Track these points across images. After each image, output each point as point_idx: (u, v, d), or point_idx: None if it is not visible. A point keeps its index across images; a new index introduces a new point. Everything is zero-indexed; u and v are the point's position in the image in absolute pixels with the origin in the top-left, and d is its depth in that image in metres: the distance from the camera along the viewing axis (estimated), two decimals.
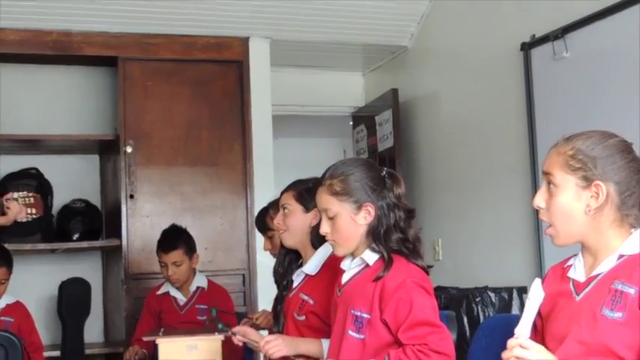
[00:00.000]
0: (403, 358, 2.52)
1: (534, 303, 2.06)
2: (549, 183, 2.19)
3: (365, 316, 2.64)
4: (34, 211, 3.73)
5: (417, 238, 2.74)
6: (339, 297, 2.80)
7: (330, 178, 2.76)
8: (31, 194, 3.79)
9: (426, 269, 2.72)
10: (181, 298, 4.75)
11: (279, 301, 3.38)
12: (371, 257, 2.71)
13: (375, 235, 2.70)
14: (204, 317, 4.69)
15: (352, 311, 2.68)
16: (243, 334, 3.20)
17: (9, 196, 3.69)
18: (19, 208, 3.66)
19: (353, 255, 2.79)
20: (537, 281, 2.10)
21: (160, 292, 4.82)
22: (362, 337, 2.65)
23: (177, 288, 4.75)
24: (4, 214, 3.60)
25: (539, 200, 2.21)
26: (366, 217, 2.70)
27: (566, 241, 2.20)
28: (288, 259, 3.39)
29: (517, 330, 2.05)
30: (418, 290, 2.60)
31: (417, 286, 2.60)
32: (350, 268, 2.79)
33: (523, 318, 2.05)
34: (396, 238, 2.69)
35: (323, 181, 2.78)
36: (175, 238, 4.73)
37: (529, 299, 2.07)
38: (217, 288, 4.86)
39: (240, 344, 3.25)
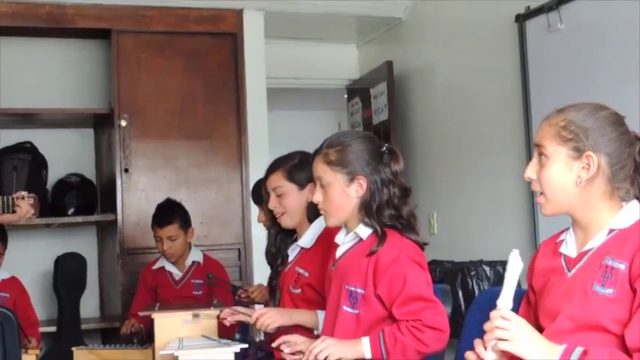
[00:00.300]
0: (397, 334, 2.54)
1: (513, 274, 2.06)
2: (540, 154, 2.19)
3: (359, 291, 2.65)
4: (33, 211, 3.80)
5: (412, 215, 2.74)
6: (334, 271, 2.80)
7: (327, 147, 2.76)
8: (32, 194, 3.85)
9: (420, 244, 2.72)
10: (177, 273, 4.75)
11: (274, 276, 3.39)
12: (364, 232, 2.71)
13: (368, 210, 2.69)
14: (200, 292, 4.69)
15: (346, 286, 2.68)
16: (232, 312, 3.22)
17: (19, 194, 3.75)
18: (28, 207, 3.73)
19: (347, 229, 2.79)
20: (515, 252, 2.09)
21: (155, 266, 4.82)
22: (356, 312, 2.66)
23: (173, 263, 4.75)
24: (13, 211, 3.67)
25: (530, 172, 2.21)
26: (357, 190, 2.70)
27: (555, 211, 2.20)
28: (279, 239, 3.38)
29: (499, 302, 2.05)
30: (412, 265, 2.60)
31: (411, 261, 2.61)
32: (344, 243, 2.80)
33: (504, 289, 2.05)
34: (388, 214, 2.69)
35: (321, 149, 2.78)
36: (170, 213, 4.72)
37: (508, 270, 2.07)
38: (213, 262, 4.86)
39: (230, 324, 3.26)
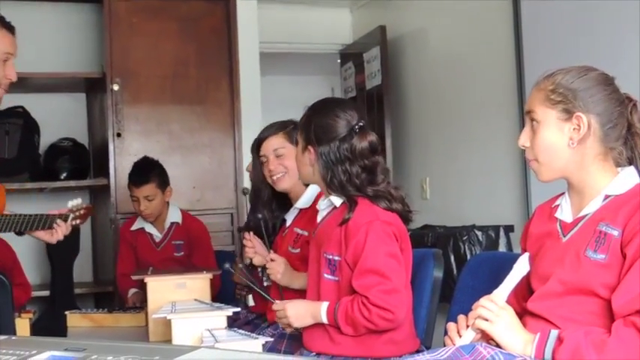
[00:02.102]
0: (349, 310, 2.57)
1: (517, 274, 2.15)
2: (532, 121, 2.20)
3: (336, 258, 2.67)
4: (78, 221, 3.65)
5: (385, 192, 2.70)
6: (313, 238, 2.83)
7: (307, 109, 2.83)
8: (84, 205, 3.67)
9: (399, 211, 2.70)
10: (157, 235, 4.70)
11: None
12: (337, 199, 2.73)
13: (329, 184, 2.72)
14: (182, 253, 4.65)
15: (324, 254, 2.70)
16: (252, 244, 3.35)
17: (65, 211, 3.57)
18: (66, 229, 3.57)
19: (325, 196, 2.83)
20: (526, 255, 2.19)
21: (133, 227, 4.75)
22: (337, 278, 2.68)
23: (152, 223, 4.70)
24: (50, 227, 3.51)
25: (524, 139, 2.22)
26: (308, 158, 2.76)
27: (551, 176, 2.21)
28: (273, 217, 3.43)
29: (495, 291, 2.14)
30: (376, 235, 2.59)
31: (378, 230, 2.60)
32: (322, 210, 2.83)
33: (504, 284, 2.15)
34: (352, 190, 2.68)
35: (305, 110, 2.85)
36: (147, 171, 4.63)
37: (514, 269, 2.16)
38: (192, 221, 4.81)
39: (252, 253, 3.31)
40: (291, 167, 3.24)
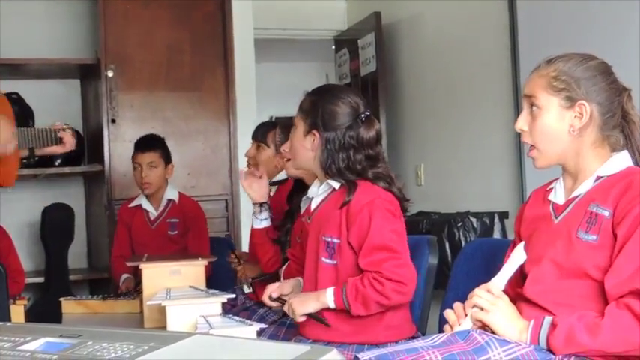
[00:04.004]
0: (359, 286, 2.56)
1: (514, 262, 2.18)
2: (532, 105, 2.20)
3: (335, 241, 2.66)
4: (75, 142, 3.74)
5: (385, 176, 2.71)
6: (309, 225, 2.81)
7: (309, 94, 2.81)
8: (70, 126, 3.75)
9: (393, 190, 2.70)
10: (153, 212, 4.70)
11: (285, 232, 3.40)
12: (335, 183, 2.73)
13: (327, 170, 2.72)
14: (176, 232, 4.66)
15: (323, 237, 2.69)
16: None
17: (58, 126, 3.63)
18: (71, 139, 3.64)
19: (319, 182, 2.81)
20: (521, 245, 2.20)
21: (132, 204, 4.76)
22: (334, 262, 2.67)
23: (149, 200, 4.70)
24: (58, 142, 3.60)
25: (522, 123, 2.22)
26: (312, 142, 2.74)
27: (549, 162, 2.22)
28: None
29: (493, 279, 2.17)
30: (380, 212, 2.60)
31: (381, 208, 2.61)
32: (317, 195, 2.81)
33: (501, 272, 2.17)
34: (350, 176, 2.69)
35: (304, 95, 2.83)
36: (153, 141, 4.72)
37: (511, 258, 2.19)
38: (188, 201, 4.81)
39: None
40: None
